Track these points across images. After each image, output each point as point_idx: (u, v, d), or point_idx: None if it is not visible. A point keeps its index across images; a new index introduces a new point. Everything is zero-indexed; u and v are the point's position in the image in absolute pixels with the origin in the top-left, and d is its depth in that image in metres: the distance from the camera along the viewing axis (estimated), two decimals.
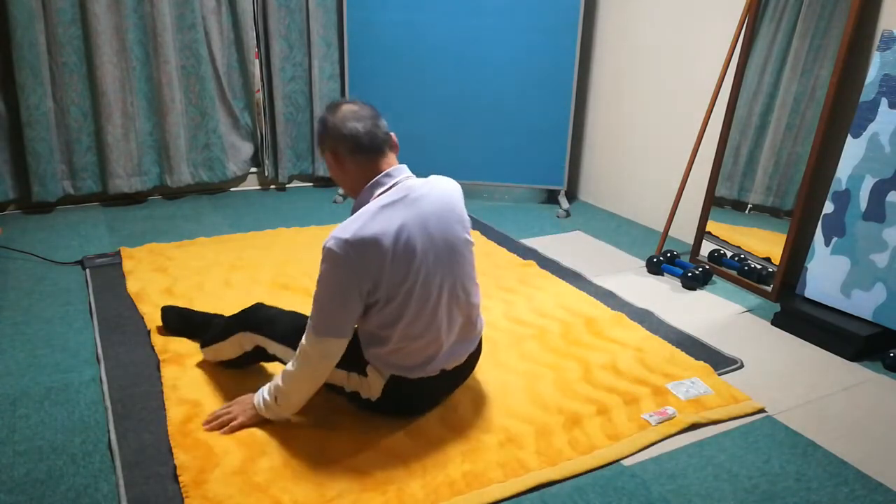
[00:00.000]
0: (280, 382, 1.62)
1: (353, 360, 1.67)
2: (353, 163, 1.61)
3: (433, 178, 1.71)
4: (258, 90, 3.79)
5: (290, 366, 1.60)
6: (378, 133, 1.61)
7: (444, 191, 1.67)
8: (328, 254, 1.50)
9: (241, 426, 1.67)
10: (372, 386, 1.68)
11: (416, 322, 1.60)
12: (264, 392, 1.67)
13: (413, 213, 1.57)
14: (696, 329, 2.34)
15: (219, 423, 1.67)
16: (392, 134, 1.67)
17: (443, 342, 1.67)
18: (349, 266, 1.50)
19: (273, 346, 1.77)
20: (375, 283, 1.54)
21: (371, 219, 1.52)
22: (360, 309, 1.57)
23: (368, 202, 1.59)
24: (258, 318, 1.80)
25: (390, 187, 1.60)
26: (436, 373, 1.69)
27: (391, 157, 1.65)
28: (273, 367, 1.96)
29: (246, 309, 1.86)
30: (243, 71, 3.68)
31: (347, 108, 1.62)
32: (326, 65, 3.79)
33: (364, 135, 1.59)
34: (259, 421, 1.68)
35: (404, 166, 1.66)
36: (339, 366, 1.67)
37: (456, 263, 1.65)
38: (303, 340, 1.57)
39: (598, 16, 3.64)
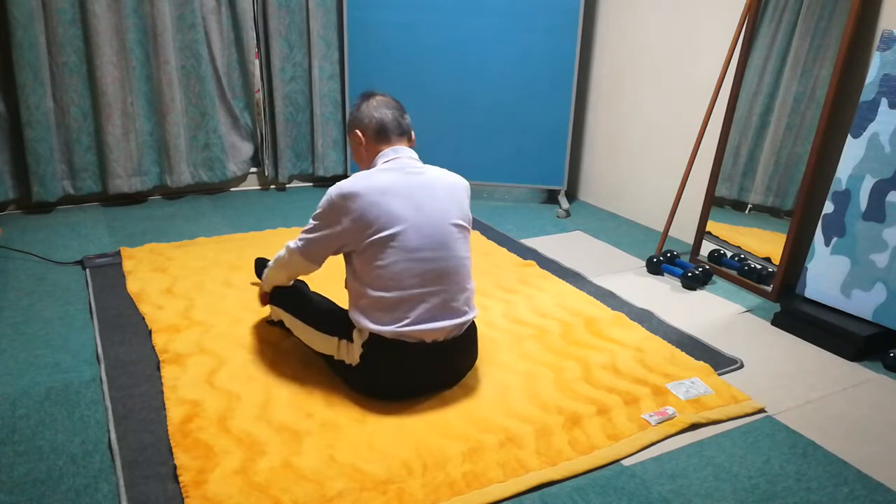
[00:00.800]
0: (270, 264, 2.03)
1: (344, 326, 1.82)
2: (374, 144, 1.87)
3: (440, 168, 1.90)
4: (258, 90, 3.79)
5: (275, 258, 1.98)
6: (402, 123, 1.90)
7: (445, 178, 1.85)
8: (326, 197, 1.77)
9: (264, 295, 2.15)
10: (354, 350, 1.79)
11: (389, 274, 1.73)
12: (268, 265, 2.06)
13: (404, 179, 1.78)
14: (696, 329, 2.34)
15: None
16: (412, 131, 1.94)
17: (416, 302, 1.75)
18: (336, 210, 1.75)
19: (289, 320, 2.00)
20: (353, 229, 1.74)
21: (366, 177, 1.76)
22: (333, 247, 1.80)
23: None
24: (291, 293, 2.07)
25: (393, 159, 1.84)
26: (413, 340, 1.75)
27: (407, 144, 1.91)
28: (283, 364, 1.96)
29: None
30: (243, 71, 3.68)
31: (381, 98, 1.91)
32: (326, 65, 3.79)
33: (391, 121, 1.87)
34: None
35: (412, 150, 1.90)
36: (332, 333, 1.86)
37: (443, 237, 1.78)
38: (288, 244, 1.90)
39: (598, 16, 3.64)
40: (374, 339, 1.76)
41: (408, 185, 1.77)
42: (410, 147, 1.91)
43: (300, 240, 1.85)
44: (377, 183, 1.74)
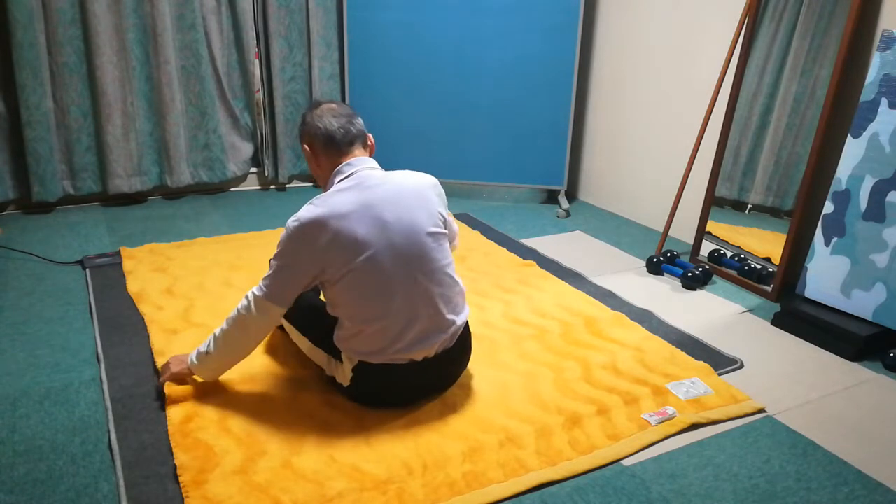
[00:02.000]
0: (214, 333, 1.74)
1: (334, 345, 1.76)
2: (326, 156, 1.75)
3: (403, 171, 1.77)
4: (258, 90, 3.79)
5: (228, 318, 1.72)
6: (352, 129, 1.75)
7: (408, 183, 1.72)
8: (285, 230, 1.64)
9: (170, 377, 1.79)
10: (344, 371, 1.75)
11: (368, 304, 1.65)
12: (200, 346, 1.77)
13: (365, 197, 1.65)
14: (696, 329, 2.34)
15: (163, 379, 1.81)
16: (369, 135, 1.81)
17: (402, 328, 1.68)
18: (298, 244, 1.63)
19: (285, 323, 1.94)
20: (323, 261, 1.63)
21: (323, 201, 1.64)
22: (304, 285, 1.66)
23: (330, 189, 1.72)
24: None
25: (349, 175, 1.71)
26: (403, 362, 1.71)
27: (362, 153, 1.77)
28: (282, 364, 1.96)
29: None
30: (243, 71, 3.68)
31: (326, 107, 1.77)
32: (326, 65, 3.79)
33: (338, 129, 1.73)
34: (184, 376, 1.79)
35: (370, 159, 1.77)
36: (323, 348, 1.80)
37: (418, 251, 1.67)
38: (248, 293, 1.69)
39: (598, 16, 3.64)
40: (363, 365, 1.71)
41: (370, 203, 1.64)
42: (369, 153, 1.78)
43: (265, 286, 1.66)
44: (336, 207, 1.62)
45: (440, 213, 1.75)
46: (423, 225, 1.69)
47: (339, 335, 1.73)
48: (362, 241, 1.61)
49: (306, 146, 1.77)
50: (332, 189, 1.69)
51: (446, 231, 1.78)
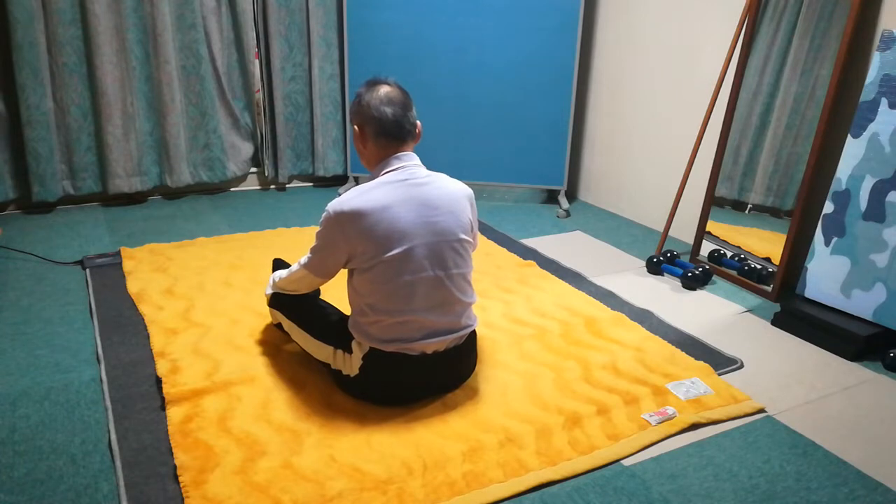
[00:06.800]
0: (275, 277, 1.99)
1: (343, 337, 1.79)
2: (375, 145, 1.76)
3: (443, 175, 1.81)
4: (258, 90, 3.79)
5: (286, 270, 1.93)
6: (405, 124, 1.75)
7: (447, 188, 1.77)
8: (325, 214, 1.70)
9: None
10: (353, 361, 1.77)
11: (392, 297, 1.69)
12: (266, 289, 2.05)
13: (407, 194, 1.70)
14: (696, 329, 2.34)
15: None
16: (418, 123, 1.80)
17: (419, 325, 1.72)
18: (335, 229, 1.68)
19: (287, 323, 1.97)
20: (356, 248, 1.68)
21: (365, 192, 1.68)
22: (340, 263, 1.74)
23: (375, 179, 1.75)
24: (285, 300, 1.99)
25: (396, 169, 1.74)
26: (414, 353, 1.74)
27: (409, 145, 1.79)
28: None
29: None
30: (243, 71, 3.68)
31: (384, 91, 1.74)
32: (326, 65, 3.79)
33: (391, 122, 1.73)
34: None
35: (415, 155, 1.79)
36: (329, 342, 1.83)
37: (444, 254, 1.73)
38: (298, 262, 1.85)
39: (598, 16, 3.64)
40: (374, 352, 1.74)
41: (411, 202, 1.69)
42: (414, 143, 1.80)
43: (308, 260, 1.79)
44: (378, 200, 1.66)
45: (470, 222, 1.81)
46: (454, 230, 1.75)
47: (357, 321, 1.76)
48: (397, 236, 1.66)
49: (356, 126, 1.77)
50: (377, 180, 1.72)
51: (472, 240, 1.82)
